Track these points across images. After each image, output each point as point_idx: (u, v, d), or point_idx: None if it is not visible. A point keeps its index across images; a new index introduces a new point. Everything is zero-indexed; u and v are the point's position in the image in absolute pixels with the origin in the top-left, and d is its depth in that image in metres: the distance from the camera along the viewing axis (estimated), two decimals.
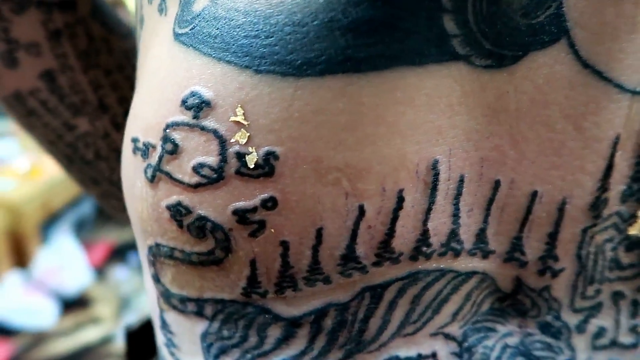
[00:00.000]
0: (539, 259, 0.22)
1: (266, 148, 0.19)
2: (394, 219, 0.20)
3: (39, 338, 1.45)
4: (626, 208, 0.23)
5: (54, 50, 0.33)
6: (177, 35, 0.20)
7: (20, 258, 1.53)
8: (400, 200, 0.20)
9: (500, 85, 0.19)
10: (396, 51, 0.18)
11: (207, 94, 0.19)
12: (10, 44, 0.31)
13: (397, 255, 0.21)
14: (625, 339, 0.25)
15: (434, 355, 0.23)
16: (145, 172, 0.22)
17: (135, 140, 0.22)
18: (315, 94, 0.18)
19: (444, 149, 0.20)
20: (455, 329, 0.23)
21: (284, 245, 0.20)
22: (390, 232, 0.20)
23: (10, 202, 1.50)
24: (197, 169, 0.20)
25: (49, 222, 1.66)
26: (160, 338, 0.27)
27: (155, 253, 0.23)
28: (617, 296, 0.24)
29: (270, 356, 0.23)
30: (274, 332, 0.22)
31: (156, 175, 0.21)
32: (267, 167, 0.19)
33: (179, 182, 0.20)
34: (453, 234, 0.21)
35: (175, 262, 0.22)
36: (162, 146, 0.21)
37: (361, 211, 0.20)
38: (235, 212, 0.20)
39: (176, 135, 0.20)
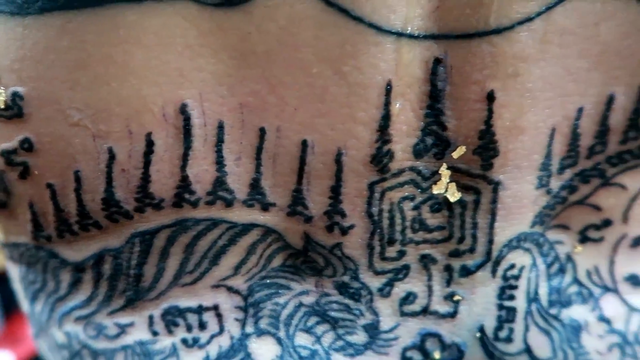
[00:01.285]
0: (324, 214, 0.21)
1: (12, 89, 0.20)
2: (147, 163, 0.20)
3: None
4: (425, 165, 0.21)
5: None
6: None
7: None
8: (150, 144, 0.20)
9: (239, 25, 0.19)
10: None
11: None
12: None
13: (159, 201, 0.21)
14: (441, 307, 0.23)
15: (216, 307, 0.22)
16: None
17: None
18: (41, 32, 0.19)
19: (193, 93, 0.19)
20: (239, 283, 0.22)
21: (51, 188, 0.21)
22: (146, 177, 0.20)
23: None
24: None
25: None
26: None
27: None
28: (426, 260, 0.23)
29: (65, 301, 0.23)
30: (65, 277, 0.23)
31: None
32: (15, 108, 0.20)
33: None
34: (219, 182, 0.21)
35: None
36: None
37: (111, 154, 0.20)
38: (2, 153, 0.21)
39: None
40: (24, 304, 0.26)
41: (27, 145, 0.20)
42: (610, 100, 0.21)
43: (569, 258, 0.24)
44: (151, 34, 0.18)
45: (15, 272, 0.25)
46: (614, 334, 0.24)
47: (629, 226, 0.24)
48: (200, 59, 0.19)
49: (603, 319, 0.24)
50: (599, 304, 0.24)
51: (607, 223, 0.24)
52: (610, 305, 0.24)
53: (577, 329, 0.24)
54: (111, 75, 0.19)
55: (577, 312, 0.24)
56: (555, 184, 0.22)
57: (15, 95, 0.20)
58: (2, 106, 0.20)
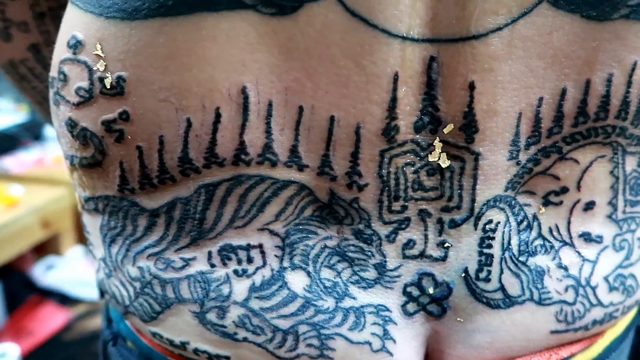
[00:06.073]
0: (345, 174, 0.28)
1: (117, 73, 0.26)
2: (215, 130, 0.27)
3: (95, 307, 1.61)
4: (423, 138, 0.28)
5: (39, 27, 0.41)
6: None
7: (82, 235, 1.71)
8: (218, 116, 0.26)
9: (288, 29, 0.25)
10: (195, 0, 0.25)
11: (80, 36, 0.27)
12: (5, 22, 0.40)
13: (222, 160, 0.27)
14: (434, 252, 0.29)
15: (260, 246, 0.29)
16: (52, 98, 0.29)
17: (52, 78, 0.30)
18: (144, 32, 0.25)
19: (251, 78, 0.26)
20: (279, 227, 0.29)
21: (139, 149, 0.28)
22: (213, 141, 0.27)
23: None
24: (77, 92, 0.28)
25: None
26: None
27: (68, 163, 0.31)
28: (423, 214, 0.29)
29: (141, 242, 0.30)
30: (142, 222, 0.29)
31: (57, 99, 0.29)
32: (118, 88, 0.26)
33: (68, 103, 0.28)
34: (267, 147, 0.27)
35: (75, 167, 0.30)
36: (58, 77, 0.28)
37: (188, 123, 0.26)
38: (103, 122, 0.27)
39: (65, 68, 0.28)
40: (98, 251, 0.33)
41: (124, 116, 0.27)
42: (563, 92, 0.28)
43: (535, 217, 0.30)
44: (223, 34, 0.25)
45: (96, 222, 0.32)
46: (569, 278, 0.31)
47: (581, 193, 0.30)
48: (258, 53, 0.26)
49: (561, 266, 0.31)
50: (558, 254, 0.31)
51: (564, 190, 0.30)
52: (567, 255, 0.31)
53: (541, 273, 0.30)
54: (192, 64, 0.25)
55: (541, 260, 0.30)
56: (523, 157, 0.29)
57: (119, 79, 0.26)
58: (108, 86, 0.27)
